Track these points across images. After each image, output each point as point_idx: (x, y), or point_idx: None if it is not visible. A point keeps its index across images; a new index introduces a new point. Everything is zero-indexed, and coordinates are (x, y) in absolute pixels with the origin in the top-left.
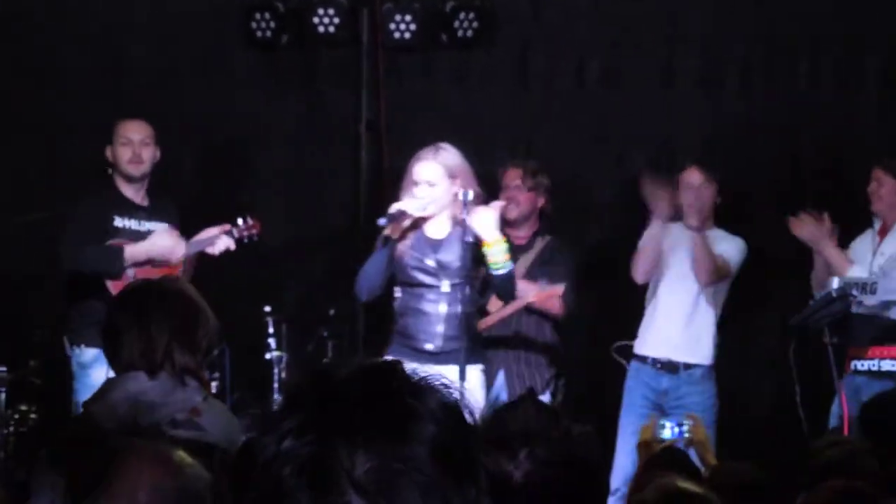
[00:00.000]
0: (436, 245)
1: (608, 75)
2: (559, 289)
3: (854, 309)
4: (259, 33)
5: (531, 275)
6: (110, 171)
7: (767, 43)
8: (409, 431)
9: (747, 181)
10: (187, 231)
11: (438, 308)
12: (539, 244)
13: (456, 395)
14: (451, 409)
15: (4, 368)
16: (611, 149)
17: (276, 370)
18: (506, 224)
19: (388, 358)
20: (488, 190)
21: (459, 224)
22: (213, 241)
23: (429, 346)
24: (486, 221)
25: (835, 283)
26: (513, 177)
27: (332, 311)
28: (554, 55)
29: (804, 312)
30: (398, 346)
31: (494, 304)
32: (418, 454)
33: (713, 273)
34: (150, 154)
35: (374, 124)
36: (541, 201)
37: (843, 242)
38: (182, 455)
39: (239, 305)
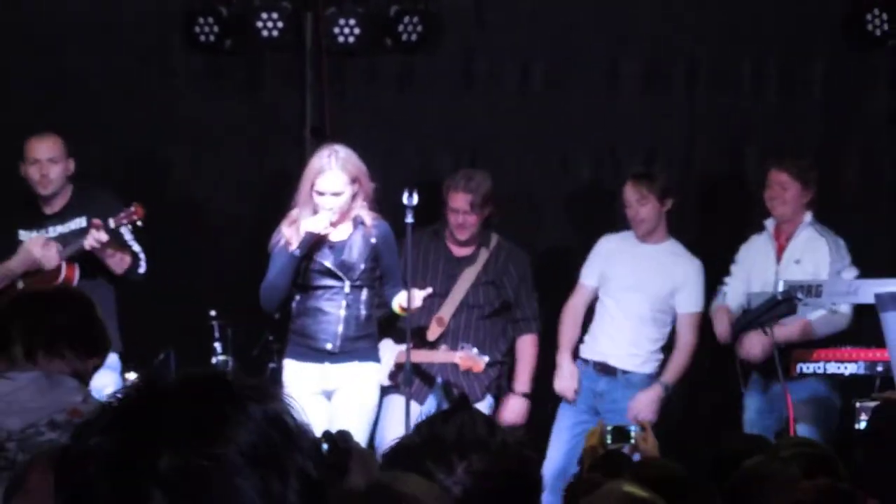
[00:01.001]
0: (338, 247)
1: (552, 79)
2: (482, 364)
3: (800, 312)
4: (202, 37)
5: (477, 287)
6: None
7: (711, 45)
8: (220, 433)
9: (691, 185)
10: None
11: (339, 310)
12: (483, 255)
13: (287, 405)
14: (272, 417)
15: None
16: (555, 152)
17: (168, 379)
18: (447, 230)
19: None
20: (430, 195)
21: (362, 224)
22: (81, 241)
23: (328, 346)
24: (414, 299)
25: (780, 285)
26: (461, 202)
27: (277, 316)
28: (498, 59)
29: (749, 315)
30: (295, 345)
31: (433, 331)
32: (227, 455)
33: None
34: (58, 171)
35: (320, 129)
36: (486, 213)
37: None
38: None
39: (184, 309)
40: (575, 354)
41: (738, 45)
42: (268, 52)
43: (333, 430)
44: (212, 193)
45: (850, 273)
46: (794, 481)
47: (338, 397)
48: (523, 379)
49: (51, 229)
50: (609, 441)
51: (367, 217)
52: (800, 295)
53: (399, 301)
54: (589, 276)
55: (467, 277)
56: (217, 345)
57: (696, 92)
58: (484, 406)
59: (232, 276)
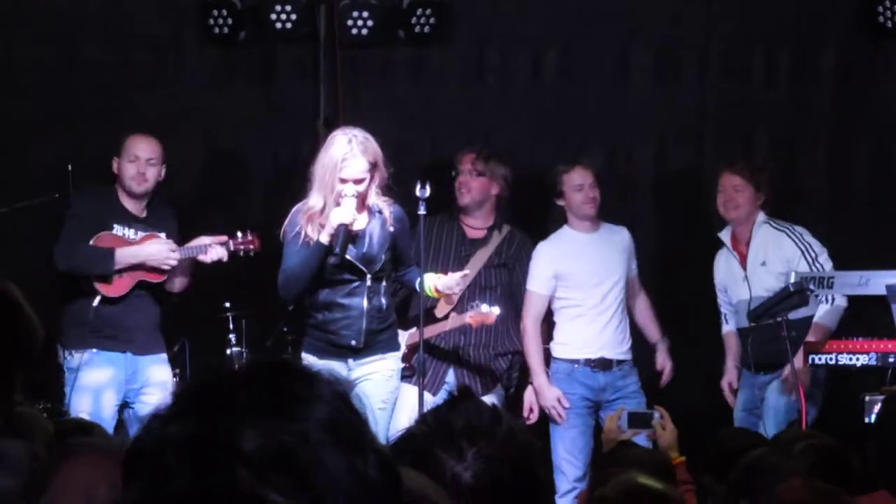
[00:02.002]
0: (359, 239)
1: (563, 69)
2: (493, 315)
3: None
4: (216, 30)
5: (489, 268)
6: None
7: (722, 36)
8: (298, 411)
9: (702, 174)
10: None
11: (362, 304)
12: (496, 238)
13: (346, 386)
14: (341, 394)
15: None
16: (567, 141)
17: (236, 366)
18: (460, 211)
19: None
20: (442, 180)
21: (379, 212)
22: (205, 249)
23: (353, 343)
24: (450, 282)
25: (792, 277)
26: (465, 162)
27: (290, 308)
28: (509, 50)
29: (762, 305)
30: (316, 340)
31: (441, 309)
32: (308, 431)
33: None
34: (154, 173)
35: (332, 119)
36: (495, 189)
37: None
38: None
39: (200, 302)
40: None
41: (749, 37)
42: (281, 44)
43: None
44: (226, 184)
45: (822, 253)
46: (797, 474)
47: (363, 390)
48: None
49: (134, 232)
50: (627, 426)
51: (383, 205)
52: (812, 286)
53: (433, 283)
54: (539, 283)
55: (480, 258)
56: (231, 336)
57: (707, 83)
58: (494, 398)
59: (245, 268)
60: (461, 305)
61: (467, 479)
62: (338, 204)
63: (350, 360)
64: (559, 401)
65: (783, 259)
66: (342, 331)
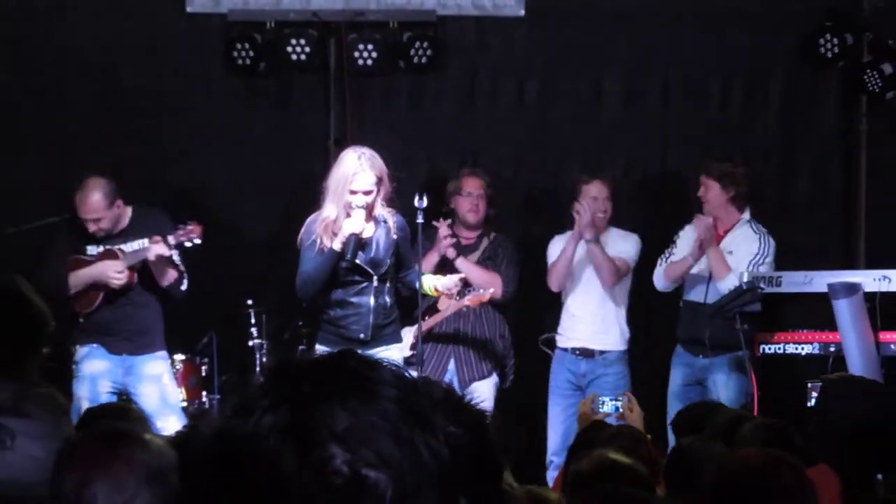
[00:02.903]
0: (367, 245)
1: (544, 95)
2: (487, 295)
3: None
4: (239, 61)
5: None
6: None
7: (683, 67)
8: (376, 392)
9: (665, 187)
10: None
11: (369, 302)
12: (485, 243)
13: (403, 370)
14: (403, 377)
15: None
16: (547, 160)
17: (257, 356)
18: (467, 227)
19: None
20: (439, 197)
21: (384, 222)
22: (145, 252)
23: (361, 336)
24: (449, 283)
25: (744, 276)
26: (475, 185)
27: (304, 304)
28: (496, 78)
29: (717, 302)
30: (328, 333)
31: (443, 302)
32: (388, 409)
33: (614, 275)
34: (108, 221)
35: (341, 139)
36: (491, 212)
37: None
38: (151, 433)
39: (225, 299)
40: (551, 344)
41: (706, 67)
42: (296, 73)
43: None
44: (248, 197)
45: (764, 267)
46: (722, 456)
47: None
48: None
49: (117, 247)
50: (600, 409)
51: (388, 215)
52: (762, 284)
53: (433, 283)
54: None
55: (471, 260)
56: (253, 330)
57: (670, 107)
58: (490, 382)
59: (265, 269)
60: (459, 311)
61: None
62: (348, 215)
63: (358, 351)
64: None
65: (747, 254)
66: (352, 325)
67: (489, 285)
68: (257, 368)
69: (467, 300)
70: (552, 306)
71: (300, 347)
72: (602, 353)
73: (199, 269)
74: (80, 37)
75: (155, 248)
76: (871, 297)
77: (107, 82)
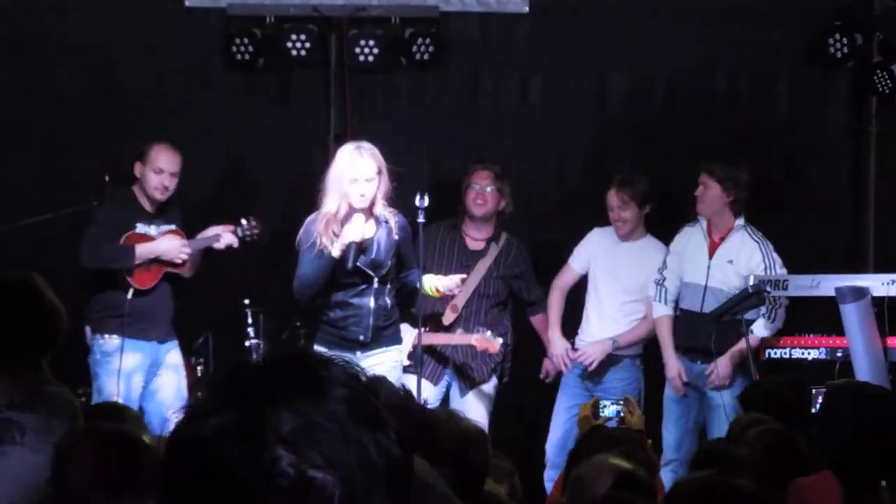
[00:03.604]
0: (367, 247)
1: (547, 93)
2: (496, 345)
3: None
4: (239, 56)
5: (488, 279)
6: (108, 178)
7: (689, 65)
8: (326, 393)
9: (670, 189)
10: (188, 229)
11: (369, 303)
12: (493, 250)
13: (357, 369)
14: (356, 377)
15: None
16: (550, 158)
17: (254, 356)
18: (463, 222)
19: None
20: (440, 196)
21: (385, 222)
22: (217, 238)
23: (361, 338)
24: (450, 284)
25: (751, 279)
26: (483, 177)
27: (302, 305)
28: (499, 76)
29: (723, 306)
30: (327, 334)
31: (448, 317)
32: (337, 410)
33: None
34: (175, 185)
35: (342, 136)
36: (502, 204)
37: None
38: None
39: (222, 298)
40: (565, 333)
41: (712, 66)
42: (297, 69)
43: None
44: (246, 194)
45: (781, 270)
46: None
47: None
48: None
49: (154, 228)
50: (600, 413)
51: (389, 215)
52: (768, 288)
53: (434, 284)
54: (577, 260)
55: (480, 269)
56: (250, 329)
57: (675, 106)
58: (490, 386)
59: (263, 268)
60: (467, 321)
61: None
62: (350, 208)
63: (358, 353)
64: (567, 353)
65: (748, 267)
66: (351, 327)
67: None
68: None
69: (474, 340)
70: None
71: (298, 347)
72: (619, 358)
73: (197, 268)
74: (79, 32)
75: (226, 238)
76: (879, 302)
77: (105, 77)
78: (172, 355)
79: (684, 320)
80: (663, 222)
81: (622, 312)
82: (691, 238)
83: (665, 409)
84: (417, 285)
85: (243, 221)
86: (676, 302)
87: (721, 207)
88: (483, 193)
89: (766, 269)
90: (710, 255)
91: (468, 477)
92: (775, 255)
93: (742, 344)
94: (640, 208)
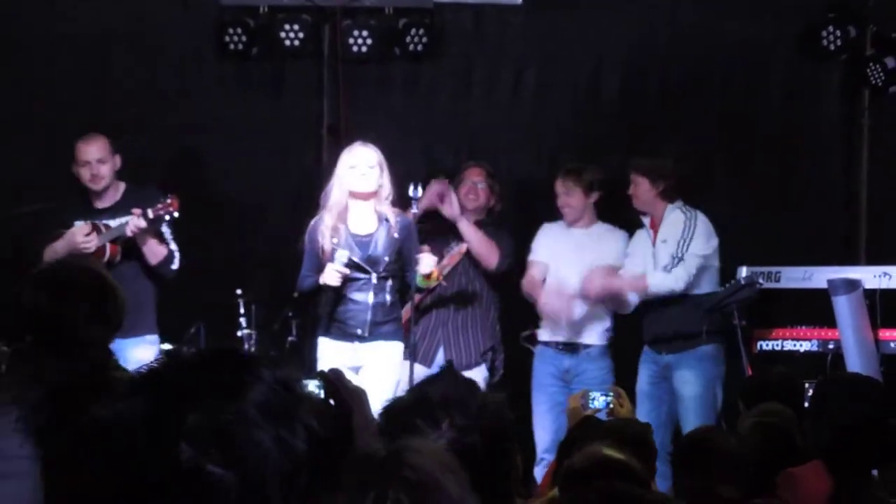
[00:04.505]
0: (364, 242)
1: (540, 85)
2: (464, 247)
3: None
4: (232, 46)
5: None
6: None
7: (683, 57)
8: (238, 393)
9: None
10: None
11: (368, 299)
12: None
13: (295, 373)
14: (282, 380)
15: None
16: (543, 149)
17: (246, 346)
18: (463, 212)
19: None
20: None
21: (386, 220)
22: (123, 227)
23: (358, 332)
24: (427, 264)
25: (743, 271)
26: (475, 174)
27: (295, 294)
28: (493, 68)
29: (715, 297)
30: (329, 325)
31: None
32: (246, 410)
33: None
34: (108, 169)
35: (335, 127)
36: (492, 200)
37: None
38: None
39: (214, 288)
40: (533, 340)
41: (705, 57)
42: (290, 59)
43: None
44: (239, 184)
45: (700, 246)
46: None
47: (364, 373)
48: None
49: (102, 223)
50: (590, 404)
51: (390, 214)
52: (761, 280)
53: (420, 270)
54: (538, 252)
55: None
56: (242, 320)
57: (669, 98)
58: (479, 373)
59: (255, 259)
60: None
61: (441, 446)
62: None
63: (356, 343)
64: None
65: (674, 234)
66: (350, 321)
67: (487, 252)
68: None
69: (446, 260)
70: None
71: (290, 338)
72: (586, 347)
73: (188, 257)
74: (72, 21)
75: (133, 222)
76: (870, 294)
77: (97, 68)
78: (139, 351)
79: (643, 314)
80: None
81: (588, 306)
82: (638, 238)
83: (637, 402)
84: (416, 280)
85: (159, 202)
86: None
87: (652, 199)
88: (475, 189)
89: (683, 229)
90: (654, 243)
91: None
92: (702, 226)
93: (618, 287)
94: (585, 196)
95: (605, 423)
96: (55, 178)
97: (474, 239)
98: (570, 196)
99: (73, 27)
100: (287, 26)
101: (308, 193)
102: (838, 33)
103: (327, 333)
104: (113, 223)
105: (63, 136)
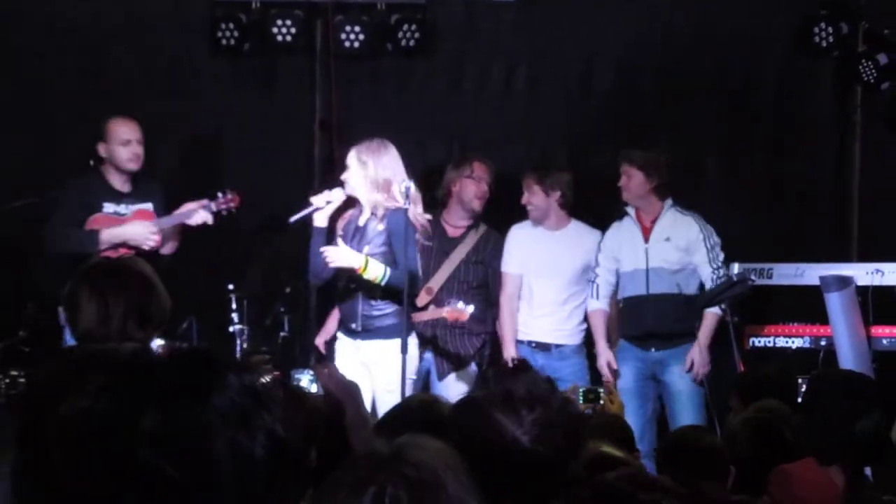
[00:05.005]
0: (361, 233)
1: (532, 80)
2: (466, 313)
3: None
4: (224, 41)
5: (467, 264)
6: (93, 163)
7: (676, 53)
8: (199, 397)
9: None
10: (169, 209)
11: (359, 292)
12: (472, 236)
13: (261, 377)
14: (247, 385)
15: None
16: (535, 145)
17: (238, 342)
18: (467, 213)
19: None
20: (422, 180)
21: (381, 212)
22: (190, 214)
23: (353, 326)
24: (344, 256)
25: (735, 268)
26: (484, 171)
27: (287, 290)
28: (485, 63)
29: (708, 294)
30: (341, 325)
31: (422, 299)
32: (204, 415)
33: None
34: (142, 151)
35: (327, 123)
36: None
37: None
38: None
39: (206, 283)
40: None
41: (697, 54)
42: (282, 54)
43: (377, 404)
44: (231, 179)
45: (717, 238)
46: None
47: (373, 373)
48: None
49: (124, 206)
50: (581, 401)
51: (381, 208)
52: (753, 276)
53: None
54: (512, 264)
55: (458, 254)
56: (234, 315)
57: (661, 94)
58: (469, 373)
59: (247, 254)
60: (440, 299)
61: (525, 443)
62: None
63: (358, 340)
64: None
65: (687, 238)
66: (345, 314)
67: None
68: (237, 355)
69: (445, 312)
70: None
71: (282, 333)
72: (558, 346)
73: (180, 253)
74: (65, 16)
75: (200, 216)
76: (863, 291)
77: (91, 62)
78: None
79: (630, 309)
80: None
81: (563, 306)
82: (622, 230)
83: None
84: (397, 283)
85: (219, 195)
86: (614, 295)
87: (646, 193)
88: (483, 190)
89: (704, 237)
90: (646, 239)
91: None
92: (708, 225)
93: (708, 327)
94: (546, 195)
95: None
96: (43, 172)
97: (447, 316)
98: (532, 195)
99: (67, 21)
100: (279, 21)
101: (300, 188)
102: (830, 30)
103: (339, 329)
104: (133, 207)
105: (53, 131)
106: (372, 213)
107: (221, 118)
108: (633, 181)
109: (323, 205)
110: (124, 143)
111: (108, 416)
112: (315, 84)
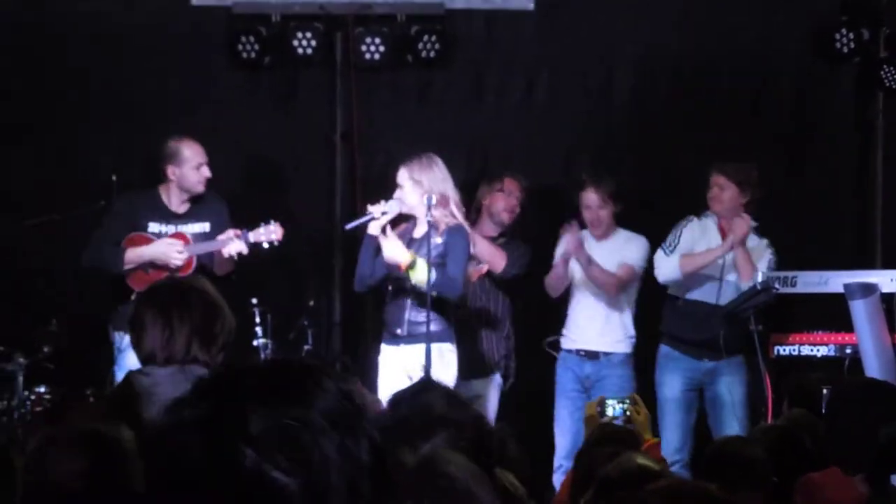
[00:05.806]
0: (416, 245)
1: (552, 90)
2: (484, 268)
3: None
4: (245, 55)
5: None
6: (114, 178)
7: (695, 60)
8: (302, 399)
9: (678, 185)
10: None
11: (407, 297)
12: (501, 240)
13: (355, 384)
14: (344, 390)
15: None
16: (556, 155)
17: (262, 355)
18: (496, 227)
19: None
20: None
21: (435, 227)
22: (225, 242)
23: (398, 331)
24: (394, 248)
25: (759, 276)
26: (515, 187)
27: (311, 303)
28: (505, 74)
29: (732, 302)
30: (384, 332)
31: None
32: (311, 417)
33: (616, 287)
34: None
35: (348, 135)
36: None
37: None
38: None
39: (229, 297)
40: (557, 346)
41: (718, 61)
42: (302, 67)
43: None
44: (254, 193)
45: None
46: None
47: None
48: None
49: (172, 227)
50: (606, 412)
51: (442, 224)
52: (776, 285)
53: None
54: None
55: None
56: (258, 329)
57: (682, 102)
58: (492, 382)
59: (270, 267)
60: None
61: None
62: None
63: (402, 345)
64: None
65: (761, 266)
66: (390, 320)
67: (493, 260)
68: None
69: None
70: (557, 307)
71: (305, 347)
72: (607, 354)
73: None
74: (84, 30)
75: (233, 246)
76: (888, 298)
77: (110, 75)
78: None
79: (693, 311)
80: (670, 221)
81: (612, 314)
82: (706, 230)
83: (665, 409)
84: (442, 289)
85: (262, 225)
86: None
87: (736, 208)
88: (515, 204)
89: (769, 267)
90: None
91: None
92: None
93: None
94: (615, 204)
95: (618, 430)
96: (60, 184)
97: (481, 248)
98: (602, 209)
99: (84, 33)
100: (299, 34)
101: (321, 200)
102: (851, 36)
103: (383, 339)
104: (184, 228)
105: (71, 143)
106: (431, 226)
107: (242, 132)
108: (726, 193)
109: (379, 215)
110: (197, 167)
111: (205, 422)
112: (336, 96)
